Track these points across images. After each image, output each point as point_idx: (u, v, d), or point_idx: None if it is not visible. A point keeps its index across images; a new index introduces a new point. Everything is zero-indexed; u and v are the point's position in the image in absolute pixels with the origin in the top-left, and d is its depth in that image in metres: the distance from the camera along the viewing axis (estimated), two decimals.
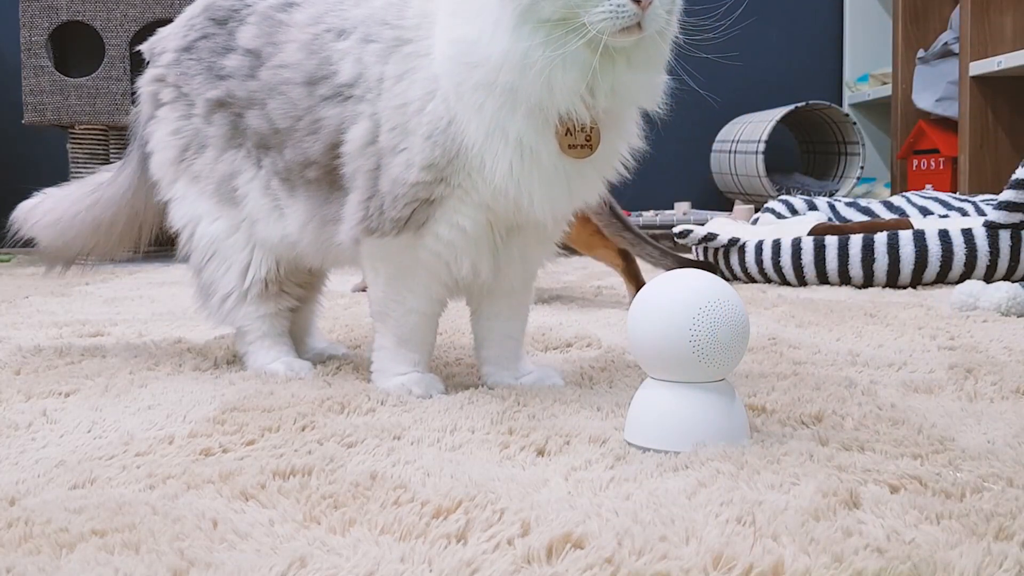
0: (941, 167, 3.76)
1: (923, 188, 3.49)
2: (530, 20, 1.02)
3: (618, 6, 0.99)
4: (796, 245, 2.41)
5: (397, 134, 1.12)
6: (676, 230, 2.61)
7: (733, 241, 2.53)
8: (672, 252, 2.08)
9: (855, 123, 4.13)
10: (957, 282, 2.15)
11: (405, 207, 1.13)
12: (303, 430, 1.00)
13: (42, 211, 1.50)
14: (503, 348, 1.26)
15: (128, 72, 3.27)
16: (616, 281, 2.38)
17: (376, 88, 1.14)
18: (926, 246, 2.28)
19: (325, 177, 1.21)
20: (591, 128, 1.09)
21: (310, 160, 1.21)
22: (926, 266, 2.28)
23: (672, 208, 4.09)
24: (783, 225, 2.69)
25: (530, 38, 1.02)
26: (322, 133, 1.19)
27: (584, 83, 1.04)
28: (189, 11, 1.37)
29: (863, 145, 4.09)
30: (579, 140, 1.09)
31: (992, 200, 2.63)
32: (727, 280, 2.15)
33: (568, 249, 1.97)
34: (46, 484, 0.82)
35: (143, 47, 1.43)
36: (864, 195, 4.18)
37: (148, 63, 1.40)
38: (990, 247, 2.27)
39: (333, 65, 1.18)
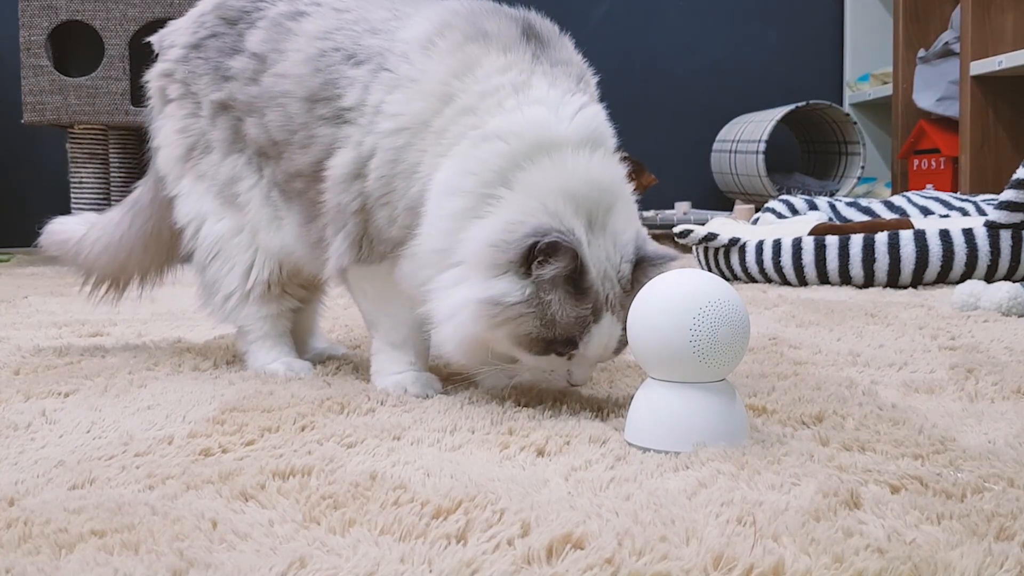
0: (942, 167, 3.75)
1: (924, 188, 3.49)
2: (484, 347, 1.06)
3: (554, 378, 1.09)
4: (797, 245, 2.41)
5: (384, 185, 1.13)
6: (676, 230, 2.61)
7: (733, 241, 2.52)
8: None
9: (856, 123, 4.13)
10: (958, 282, 2.14)
11: (388, 245, 1.16)
12: (303, 430, 1.00)
13: (91, 241, 1.49)
14: None
15: (127, 72, 3.26)
16: None
17: (371, 116, 1.14)
18: (927, 246, 2.28)
19: (308, 188, 1.21)
20: None
21: (299, 172, 1.22)
22: (927, 266, 2.28)
23: (672, 208, 4.08)
24: (784, 225, 2.69)
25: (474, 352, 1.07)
26: (312, 149, 1.19)
27: None
28: (200, 7, 1.36)
29: (864, 145, 4.09)
30: None
31: (993, 200, 2.63)
32: (727, 280, 2.15)
33: None
34: (45, 484, 0.82)
35: (152, 39, 1.41)
36: (865, 195, 4.17)
37: (156, 56, 1.39)
38: (991, 247, 2.26)
39: (339, 88, 1.17)
